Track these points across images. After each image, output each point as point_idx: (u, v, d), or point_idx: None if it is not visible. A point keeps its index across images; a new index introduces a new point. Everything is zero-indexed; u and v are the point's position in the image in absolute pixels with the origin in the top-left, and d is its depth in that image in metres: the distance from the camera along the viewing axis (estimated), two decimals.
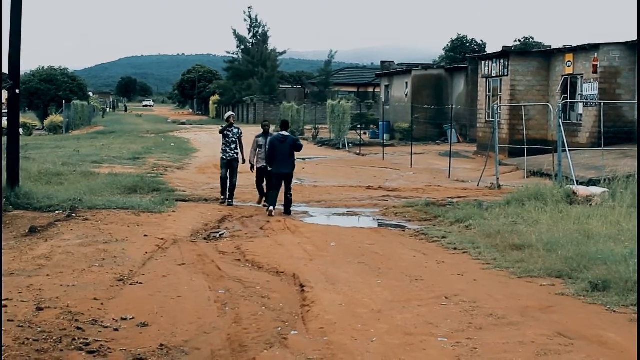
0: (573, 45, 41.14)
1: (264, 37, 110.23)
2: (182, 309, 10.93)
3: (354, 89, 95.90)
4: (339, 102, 55.21)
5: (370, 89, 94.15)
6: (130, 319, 10.26)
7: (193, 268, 13.84)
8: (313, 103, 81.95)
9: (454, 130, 49.88)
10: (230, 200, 22.95)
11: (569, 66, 40.11)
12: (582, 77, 39.08)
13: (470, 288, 12.29)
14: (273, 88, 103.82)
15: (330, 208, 22.81)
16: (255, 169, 23.07)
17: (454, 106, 48.84)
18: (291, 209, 21.33)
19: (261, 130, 23.30)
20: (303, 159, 38.62)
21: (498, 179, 28.18)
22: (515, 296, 11.74)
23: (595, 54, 37.66)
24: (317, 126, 61.56)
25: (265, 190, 22.62)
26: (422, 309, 10.88)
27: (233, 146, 23.18)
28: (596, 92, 37.38)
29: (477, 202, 22.12)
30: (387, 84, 67.42)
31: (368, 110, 72.21)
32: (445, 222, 19.33)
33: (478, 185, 28.49)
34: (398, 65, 75.84)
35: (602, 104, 33.64)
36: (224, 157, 23.24)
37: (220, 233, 17.93)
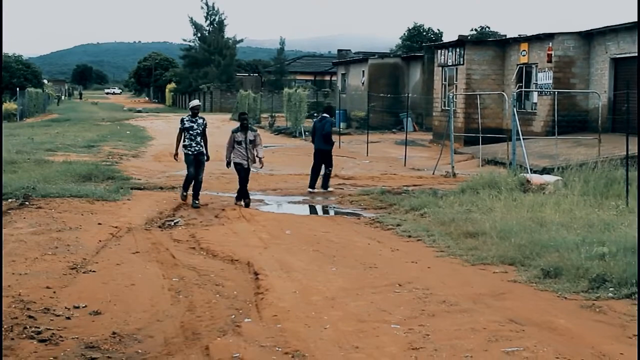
0: (528, 35, 41.40)
1: (221, 25, 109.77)
2: (135, 297, 10.89)
3: (311, 78, 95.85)
4: (296, 90, 55.14)
5: (327, 78, 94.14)
6: (83, 307, 10.21)
7: (147, 256, 13.79)
8: (270, 91, 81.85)
9: (410, 118, 50.07)
10: (196, 202, 20.22)
11: (524, 55, 40.38)
12: (536, 66, 39.38)
13: (423, 275, 12.35)
14: (230, 76, 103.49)
15: (286, 196, 22.81)
16: (230, 165, 20.93)
17: (410, 95, 48.97)
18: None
19: (238, 124, 20.96)
20: None
21: (453, 167, 28.33)
22: (468, 283, 11.82)
23: (550, 43, 37.96)
24: (273, 114, 61.45)
25: (241, 190, 20.61)
26: (376, 297, 10.92)
27: (198, 139, 20.62)
28: (551, 81, 37.69)
29: (432, 190, 22.25)
30: (343, 72, 67.47)
31: (325, 99, 72.29)
32: (400, 210, 19.41)
33: (433, 174, 28.61)
34: (355, 53, 75.91)
35: (556, 93, 33.91)
36: (190, 152, 20.57)
37: (175, 221, 17.86)
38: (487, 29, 77.23)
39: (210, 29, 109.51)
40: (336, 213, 20.21)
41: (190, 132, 20.63)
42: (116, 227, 16.38)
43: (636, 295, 10.64)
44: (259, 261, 13.26)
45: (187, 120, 20.69)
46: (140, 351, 8.67)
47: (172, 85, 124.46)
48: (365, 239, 15.67)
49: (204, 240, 15.25)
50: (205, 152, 20.79)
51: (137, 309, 10.22)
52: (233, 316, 10.01)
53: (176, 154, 20.98)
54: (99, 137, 44.71)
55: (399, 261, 13.58)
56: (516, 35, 43.91)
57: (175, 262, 13.29)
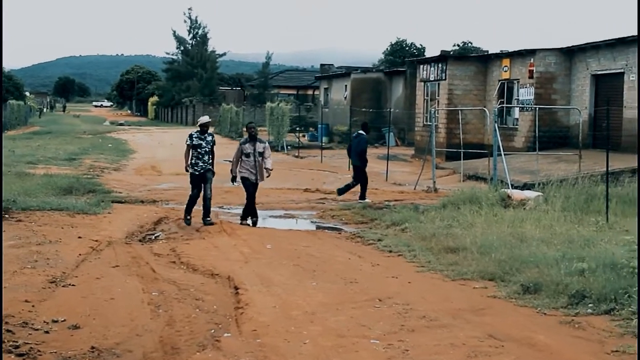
0: (510, 51, 41.62)
1: (204, 38, 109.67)
2: (114, 311, 10.85)
3: (294, 92, 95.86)
4: (278, 104, 55.16)
5: (310, 92, 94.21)
6: (62, 321, 10.16)
7: (127, 270, 13.74)
8: (252, 105, 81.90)
9: (392, 133, 50.18)
10: (208, 219, 19.28)
11: (505, 71, 40.57)
12: (518, 82, 39.56)
13: (404, 290, 12.36)
14: (212, 90, 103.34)
15: (267, 210, 22.77)
16: (236, 180, 20.10)
17: (392, 109, 49.11)
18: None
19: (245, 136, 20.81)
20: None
21: (435, 182, 28.38)
22: (448, 298, 11.83)
23: (532, 59, 38.16)
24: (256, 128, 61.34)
25: (249, 207, 19.99)
26: (356, 312, 10.92)
27: (207, 157, 19.42)
28: (532, 97, 37.87)
29: (413, 205, 22.29)
30: (326, 86, 67.57)
31: (307, 113, 72.35)
32: (381, 224, 19.44)
33: (415, 189, 28.66)
34: (337, 68, 76.05)
35: (537, 108, 34.05)
36: (196, 171, 19.41)
37: (155, 235, 17.84)
38: (469, 44, 77.65)
39: (194, 43, 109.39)
40: (317, 227, 20.22)
41: (199, 150, 19.41)
42: (96, 240, 16.33)
43: (615, 312, 10.67)
44: (240, 275, 13.23)
45: (195, 137, 19.48)
46: None
47: (155, 98, 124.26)
48: (346, 254, 15.67)
49: (185, 254, 15.22)
50: (211, 168, 19.63)
51: (116, 323, 10.18)
52: (212, 331, 9.98)
53: (187, 167, 19.63)
54: (80, 150, 44.60)
55: (380, 276, 13.58)
56: (498, 51, 44.14)
57: (155, 276, 13.25)
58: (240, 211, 21.89)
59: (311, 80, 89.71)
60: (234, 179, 20.09)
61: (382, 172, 33.83)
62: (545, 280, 12.08)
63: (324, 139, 54.00)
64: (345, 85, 60.99)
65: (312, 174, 34.64)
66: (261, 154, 19.68)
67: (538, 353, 9.07)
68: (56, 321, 10.14)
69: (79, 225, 18.14)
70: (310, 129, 66.45)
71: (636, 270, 11.27)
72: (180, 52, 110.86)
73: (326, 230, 19.41)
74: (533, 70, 37.94)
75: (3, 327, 9.69)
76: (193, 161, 19.40)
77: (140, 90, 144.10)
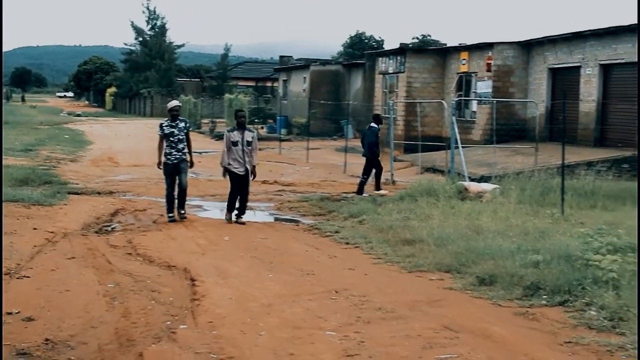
0: (468, 44, 41.83)
1: (162, 29, 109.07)
2: (69, 303, 10.77)
3: (253, 83, 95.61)
4: (237, 96, 55.08)
5: (269, 84, 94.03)
6: (16, 313, 10.07)
7: (83, 262, 13.64)
8: (211, 97, 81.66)
9: (350, 125, 50.21)
10: (182, 212, 18.64)
11: (464, 64, 40.77)
12: (476, 75, 39.80)
13: (360, 282, 12.39)
14: (171, 81, 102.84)
15: (224, 202, 22.67)
16: (227, 174, 18.77)
17: (351, 102, 49.16)
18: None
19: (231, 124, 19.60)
20: (199, 152, 38.42)
21: (393, 174, 28.46)
22: (405, 290, 11.88)
23: (490, 52, 38.40)
24: (214, 120, 61.22)
25: (235, 204, 18.86)
26: (312, 303, 10.93)
27: (181, 146, 18.42)
28: (490, 90, 38.10)
29: (371, 197, 22.32)
30: (285, 78, 67.52)
31: (266, 105, 72.21)
32: (339, 216, 19.47)
33: (373, 181, 28.70)
34: (296, 60, 76.02)
35: (495, 102, 34.27)
36: (169, 161, 18.39)
37: (112, 226, 17.73)
38: (428, 37, 77.76)
39: (152, 34, 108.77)
40: (275, 219, 20.20)
41: (171, 138, 18.38)
42: (52, 232, 16.21)
43: (569, 303, 10.77)
44: (196, 267, 13.20)
45: (166, 126, 18.45)
46: (73, 358, 8.57)
47: (113, 89, 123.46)
48: (303, 246, 15.68)
49: (141, 246, 15.15)
50: (189, 158, 18.67)
51: (71, 315, 10.11)
52: (169, 322, 9.94)
53: (160, 163, 18.60)
54: (36, 141, 44.20)
55: (337, 268, 13.60)
56: (457, 44, 44.33)
57: (111, 268, 13.17)
58: (197, 202, 21.87)
59: (270, 72, 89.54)
60: (225, 172, 18.74)
61: (341, 164, 33.87)
62: (501, 272, 12.16)
63: (283, 130, 54.00)
64: (304, 78, 60.98)
65: (270, 165, 34.57)
66: (249, 144, 18.62)
67: (492, 344, 9.13)
68: (10, 313, 10.04)
69: (34, 216, 17.99)
70: (269, 120, 66.36)
71: (590, 262, 11.37)
72: (138, 43, 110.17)
73: (284, 222, 19.40)
74: (491, 63, 38.17)
75: None
76: (166, 150, 18.43)
77: (98, 81, 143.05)
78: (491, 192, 21.36)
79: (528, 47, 38.35)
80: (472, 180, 24.22)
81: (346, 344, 9.04)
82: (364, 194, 23.93)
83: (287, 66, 69.95)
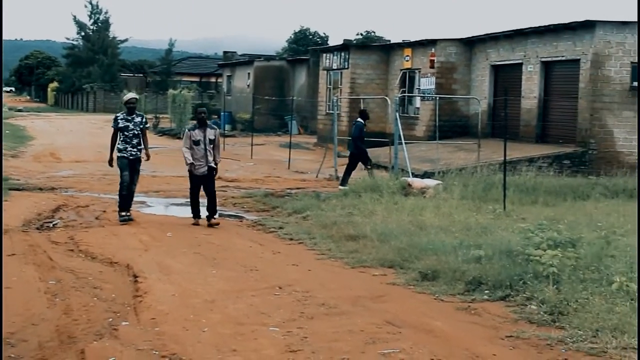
0: (411, 41, 42.01)
1: (105, 24, 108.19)
2: (10, 300, 10.62)
3: (197, 79, 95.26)
4: (181, 91, 54.78)
5: (213, 79, 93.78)
6: None
7: (24, 259, 13.50)
8: (154, 92, 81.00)
9: (294, 121, 50.26)
10: (128, 214, 17.69)
11: (407, 60, 40.94)
12: (419, 71, 39.99)
13: (304, 278, 12.41)
14: (114, 76, 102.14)
15: (168, 198, 22.63)
16: (191, 174, 17.94)
17: (295, 98, 49.16)
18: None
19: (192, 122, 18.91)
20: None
21: (336, 170, 28.52)
22: (348, 286, 11.92)
23: (433, 49, 38.59)
24: (158, 115, 60.87)
25: (199, 205, 18.04)
26: (256, 299, 10.92)
27: (136, 141, 17.61)
28: (433, 87, 38.30)
29: (315, 193, 22.36)
30: (229, 74, 67.35)
31: (210, 101, 72.04)
32: (283, 212, 19.47)
33: (317, 177, 28.77)
34: (241, 55, 75.83)
35: (437, 98, 34.46)
36: (125, 156, 17.59)
37: (53, 223, 17.55)
38: (372, 33, 78.09)
39: (95, 28, 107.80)
40: (219, 215, 20.12)
41: (126, 132, 17.55)
42: None
43: (510, 298, 10.89)
44: (139, 264, 13.13)
45: (121, 119, 17.65)
46: (13, 356, 8.48)
47: (55, 84, 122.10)
48: (246, 242, 15.66)
49: (83, 243, 15.02)
50: (146, 152, 17.98)
51: (11, 313, 9.97)
52: (110, 319, 9.87)
53: (111, 160, 17.94)
54: None
55: (280, 264, 13.61)
56: (400, 41, 44.52)
57: (52, 265, 13.05)
58: (141, 199, 21.70)
59: (214, 67, 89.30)
60: (192, 173, 17.90)
61: (285, 160, 33.86)
62: (443, 268, 12.25)
63: (227, 126, 53.92)
64: (249, 73, 60.85)
65: None
66: (211, 142, 17.69)
67: (434, 339, 9.20)
68: None
69: None
70: (213, 116, 66.07)
71: (531, 257, 11.49)
72: (81, 37, 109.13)
73: (227, 218, 19.35)
74: (434, 60, 38.37)
75: None
76: (121, 146, 17.58)
77: (40, 76, 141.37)
78: (434, 188, 21.51)
79: (471, 44, 38.64)
80: (415, 176, 24.36)
81: (289, 339, 9.05)
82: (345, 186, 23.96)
83: (231, 62, 69.75)
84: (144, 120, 17.94)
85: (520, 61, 34.74)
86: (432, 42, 39.05)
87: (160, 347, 8.74)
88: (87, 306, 10.49)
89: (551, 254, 11.18)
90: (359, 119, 26.37)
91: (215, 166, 17.95)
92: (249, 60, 63.60)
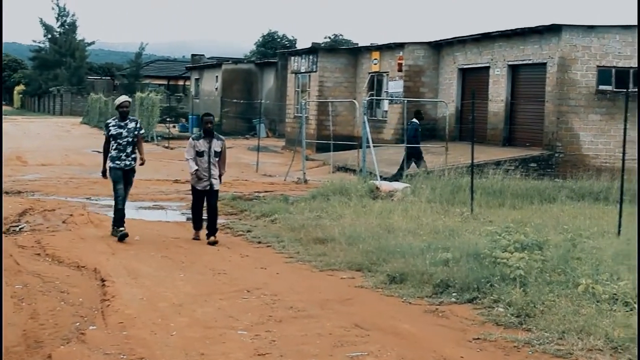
0: (379, 44, 42.13)
1: (72, 26, 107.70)
2: None
3: (165, 82, 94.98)
4: (148, 94, 54.57)
5: (181, 82, 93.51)
6: None
7: None
8: (122, 95, 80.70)
9: (263, 124, 50.22)
10: (122, 229, 15.86)
11: (375, 64, 41.04)
12: (388, 74, 40.11)
13: (272, 281, 12.41)
14: (81, 79, 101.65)
15: (136, 202, 22.49)
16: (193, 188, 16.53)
17: (263, 101, 49.16)
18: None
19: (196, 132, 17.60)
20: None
21: (305, 173, 28.52)
22: (316, 289, 11.93)
23: (401, 52, 38.73)
24: None
25: (201, 219, 16.55)
26: (224, 303, 10.92)
27: (130, 149, 16.15)
28: (401, 90, 38.41)
29: (283, 196, 22.33)
30: (197, 77, 67.25)
31: (178, 104, 71.75)
32: (251, 216, 19.45)
33: (285, 180, 28.75)
34: (209, 58, 75.79)
35: (406, 101, 34.58)
36: (118, 166, 16.08)
37: (20, 227, 17.41)
38: (340, 37, 78.26)
39: (62, 31, 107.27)
40: (187, 219, 20.05)
41: (119, 140, 16.01)
42: None
43: (478, 300, 10.95)
44: (106, 267, 13.07)
45: (113, 125, 16.14)
46: None
47: (21, 87, 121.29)
48: (215, 245, 15.61)
49: (50, 246, 14.92)
50: (140, 156, 16.46)
51: None
52: (78, 324, 9.83)
53: (105, 171, 16.56)
54: None
55: (248, 267, 13.61)
56: (368, 44, 44.66)
57: (19, 269, 12.95)
58: (108, 202, 21.56)
59: (182, 70, 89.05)
60: (195, 187, 16.40)
61: (253, 163, 33.84)
62: (411, 270, 12.29)
63: (195, 130, 53.69)
64: (217, 76, 60.76)
65: (182, 164, 34.23)
66: (217, 155, 16.16)
67: (402, 341, 9.23)
68: None
69: None
70: (181, 119, 65.93)
71: (498, 260, 11.56)
72: (47, 40, 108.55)
73: None
74: (402, 63, 38.50)
75: None
76: (113, 154, 16.07)
77: (6, 78, 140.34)
78: (402, 191, 21.57)
79: (438, 48, 38.81)
80: (383, 179, 24.41)
81: (257, 343, 9.05)
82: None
83: (199, 65, 69.64)
84: (138, 125, 16.36)
85: (487, 64, 34.95)
86: (400, 46, 39.17)
87: (128, 351, 8.71)
88: (54, 310, 10.43)
89: (518, 257, 11.25)
90: (414, 119, 28.10)
91: (218, 185, 16.45)
92: (217, 63, 63.53)
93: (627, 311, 9.71)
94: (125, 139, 16.04)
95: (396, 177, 25.75)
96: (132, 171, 16.38)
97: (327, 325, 9.82)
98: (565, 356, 8.64)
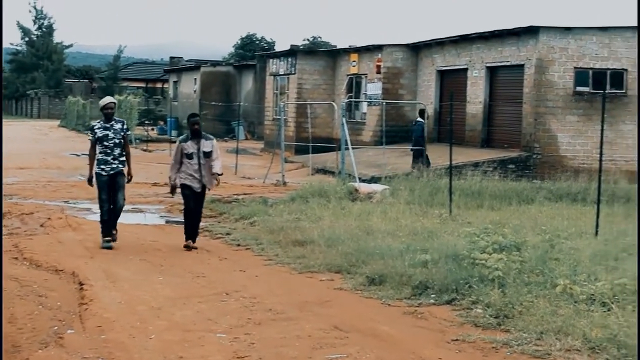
0: (358, 46, 42.19)
1: (50, 29, 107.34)
2: None
3: (143, 85, 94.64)
4: (127, 97, 54.43)
5: (159, 85, 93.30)
6: None
7: None
8: (100, 98, 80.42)
9: (241, 127, 50.16)
10: (113, 234, 15.42)
11: (354, 66, 41.09)
12: (366, 76, 40.15)
13: (251, 284, 12.40)
14: (59, 82, 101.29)
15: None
16: (176, 190, 15.91)
17: (242, 103, 49.12)
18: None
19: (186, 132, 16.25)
20: (81, 154, 38.10)
21: (284, 175, 28.54)
22: (295, 291, 11.93)
23: (379, 54, 38.77)
24: None
25: (191, 226, 15.73)
26: (203, 306, 10.90)
27: (117, 152, 15.31)
28: (380, 92, 38.46)
29: (262, 198, 22.32)
30: (175, 80, 67.10)
31: (156, 106, 71.63)
32: (230, 218, 19.43)
33: (264, 182, 28.75)
34: (187, 61, 75.54)
35: (384, 103, 34.64)
36: (104, 172, 15.26)
37: None
38: (318, 39, 78.28)
39: (39, 34, 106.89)
40: (166, 222, 20.07)
41: (105, 142, 15.22)
42: None
43: (456, 302, 10.98)
44: (85, 271, 13.02)
45: (98, 128, 15.37)
46: None
47: None
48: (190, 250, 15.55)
49: (28, 250, 14.84)
50: (128, 170, 15.56)
51: None
52: (56, 327, 9.78)
53: (90, 178, 15.68)
54: None
55: (227, 270, 13.59)
56: (347, 46, 44.69)
57: None
58: (86, 205, 21.52)
59: (160, 73, 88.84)
60: (173, 190, 15.97)
61: (232, 166, 33.76)
62: (390, 272, 12.30)
63: (174, 132, 53.62)
64: (195, 79, 60.65)
65: (161, 167, 34.21)
66: (207, 155, 15.57)
67: (381, 343, 9.24)
68: None
69: None
70: (160, 122, 65.76)
71: (476, 261, 11.60)
72: (25, 43, 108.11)
73: (174, 225, 19.26)
74: (380, 65, 38.55)
75: None
76: (100, 157, 15.32)
77: None
78: (381, 193, 21.60)
79: (417, 50, 38.89)
80: (362, 181, 24.45)
81: (237, 345, 9.04)
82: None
83: (177, 67, 69.47)
84: (125, 127, 15.57)
85: (465, 66, 35.04)
86: (378, 48, 39.22)
87: (106, 355, 8.69)
88: (32, 314, 10.37)
89: (496, 258, 11.29)
90: (419, 119, 29.16)
91: (212, 183, 15.87)
92: (195, 65, 63.39)
93: (604, 311, 9.75)
94: (112, 141, 15.25)
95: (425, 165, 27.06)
96: (121, 174, 15.42)
97: (306, 327, 9.82)
98: (543, 357, 8.68)
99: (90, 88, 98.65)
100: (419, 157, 28.46)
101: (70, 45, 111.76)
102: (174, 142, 45.40)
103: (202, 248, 15.60)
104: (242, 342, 9.15)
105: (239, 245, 15.96)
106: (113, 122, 15.35)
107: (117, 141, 15.25)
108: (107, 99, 15.80)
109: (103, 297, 11.26)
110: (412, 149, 29.65)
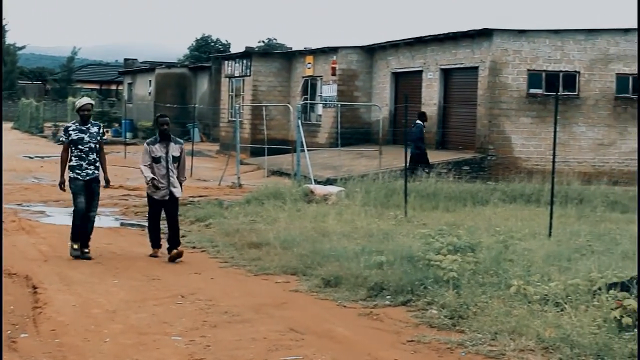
0: (313, 48, 42.22)
1: (1, 31, 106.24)
2: None
3: (97, 86, 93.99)
4: (80, 99, 54.03)
5: (114, 87, 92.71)
6: None
7: None
8: (54, 100, 79.82)
9: (197, 129, 50.02)
10: (86, 250, 14.58)
11: (309, 68, 41.13)
12: (321, 78, 40.20)
13: (206, 286, 12.37)
14: (12, 84, 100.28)
15: (68, 207, 22.13)
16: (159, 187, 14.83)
17: (197, 105, 48.95)
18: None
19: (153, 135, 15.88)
20: (42, 157, 37.75)
21: (239, 177, 28.49)
22: (251, 293, 11.92)
23: (334, 56, 38.83)
24: (57, 123, 59.93)
25: (159, 233, 15.23)
26: (158, 308, 10.86)
27: (92, 157, 14.60)
28: (335, 94, 38.52)
29: (217, 201, 22.26)
30: (130, 81, 66.73)
31: (111, 108, 71.07)
32: (185, 221, 19.30)
33: (219, 184, 28.69)
34: (142, 63, 75.20)
35: (339, 105, 34.71)
36: (80, 176, 14.55)
37: None
38: (274, 41, 78.26)
39: None
40: (121, 224, 19.96)
41: (80, 146, 14.46)
42: None
43: (411, 303, 11.04)
44: (38, 274, 12.91)
45: (73, 130, 14.57)
46: None
47: None
48: (148, 250, 15.47)
49: None
50: (104, 175, 15.00)
51: None
52: (9, 332, 9.69)
53: (62, 182, 14.90)
54: None
55: (183, 272, 13.54)
56: (302, 48, 44.71)
57: None
58: (40, 208, 21.35)
59: (115, 75, 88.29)
60: (156, 187, 14.83)
61: (187, 168, 33.62)
62: (346, 274, 12.33)
63: (128, 134, 53.39)
64: (150, 81, 60.36)
65: (115, 170, 33.97)
66: (176, 159, 14.94)
67: (337, 345, 9.27)
68: None
69: None
70: (114, 124, 65.33)
71: (431, 262, 11.66)
72: None
73: (129, 227, 19.20)
74: (336, 67, 38.62)
75: None
76: (74, 162, 14.58)
77: None
78: (337, 195, 21.64)
79: (372, 52, 39.01)
80: (318, 183, 24.48)
81: (192, 348, 9.02)
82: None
83: (132, 69, 69.10)
84: (101, 131, 14.92)
85: (420, 68, 35.20)
86: (333, 50, 39.30)
87: (60, 358, 8.63)
88: None
89: (451, 259, 11.37)
90: (418, 121, 27.98)
91: (179, 193, 15.19)
92: (150, 67, 63.09)
93: (557, 311, 9.84)
94: (87, 145, 14.48)
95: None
96: (96, 181, 14.75)
97: (261, 329, 9.82)
98: (498, 357, 8.75)
99: (43, 90, 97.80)
100: (417, 160, 27.52)
101: (24, 47, 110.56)
102: (129, 144, 45.27)
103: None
104: (198, 345, 9.13)
105: (194, 247, 15.92)
106: (89, 125, 14.66)
107: (92, 145, 14.56)
108: (84, 100, 15.02)
109: (57, 301, 11.17)
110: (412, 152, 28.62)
